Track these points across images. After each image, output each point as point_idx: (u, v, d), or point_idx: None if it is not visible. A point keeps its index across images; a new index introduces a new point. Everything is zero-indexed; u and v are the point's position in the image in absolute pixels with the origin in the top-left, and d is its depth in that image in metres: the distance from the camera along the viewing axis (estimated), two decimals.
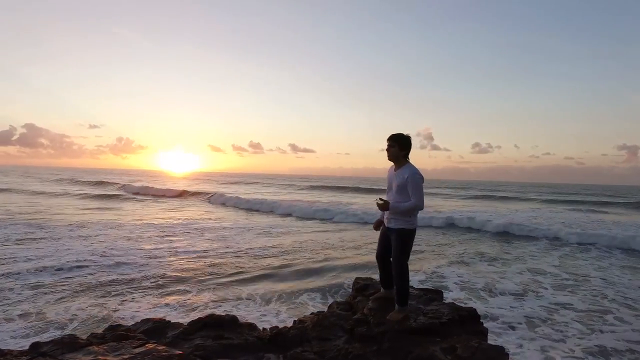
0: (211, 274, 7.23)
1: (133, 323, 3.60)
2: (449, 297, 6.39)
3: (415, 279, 7.47)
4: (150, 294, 6.00)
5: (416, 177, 3.10)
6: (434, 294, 3.85)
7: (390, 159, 3.26)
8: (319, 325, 3.41)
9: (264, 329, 3.58)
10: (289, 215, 18.26)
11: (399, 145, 3.18)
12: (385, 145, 3.24)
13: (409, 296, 3.29)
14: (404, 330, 3.07)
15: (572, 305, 6.24)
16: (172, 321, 3.67)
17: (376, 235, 3.55)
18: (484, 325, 3.45)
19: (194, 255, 8.53)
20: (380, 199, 3.23)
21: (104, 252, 8.51)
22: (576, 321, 5.56)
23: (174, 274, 7.06)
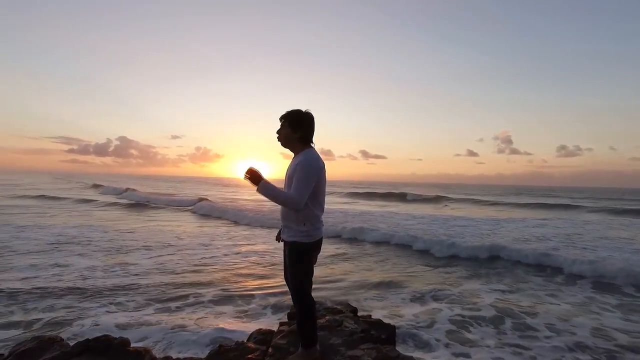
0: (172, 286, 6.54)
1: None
2: (465, 315, 4.89)
3: (440, 300, 5.76)
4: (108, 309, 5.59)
5: (305, 165, 2.16)
6: (381, 331, 2.86)
7: (282, 144, 2.34)
8: None
9: (154, 358, 2.90)
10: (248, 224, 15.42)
11: (290, 125, 2.28)
12: None
13: (315, 335, 2.38)
14: None
15: None
16: (65, 340, 3.18)
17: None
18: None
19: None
20: (251, 169, 2.20)
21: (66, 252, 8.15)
22: None
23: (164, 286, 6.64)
